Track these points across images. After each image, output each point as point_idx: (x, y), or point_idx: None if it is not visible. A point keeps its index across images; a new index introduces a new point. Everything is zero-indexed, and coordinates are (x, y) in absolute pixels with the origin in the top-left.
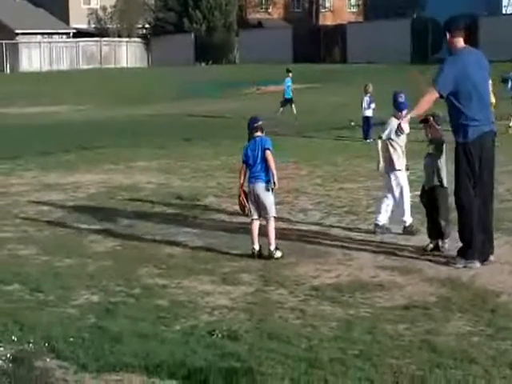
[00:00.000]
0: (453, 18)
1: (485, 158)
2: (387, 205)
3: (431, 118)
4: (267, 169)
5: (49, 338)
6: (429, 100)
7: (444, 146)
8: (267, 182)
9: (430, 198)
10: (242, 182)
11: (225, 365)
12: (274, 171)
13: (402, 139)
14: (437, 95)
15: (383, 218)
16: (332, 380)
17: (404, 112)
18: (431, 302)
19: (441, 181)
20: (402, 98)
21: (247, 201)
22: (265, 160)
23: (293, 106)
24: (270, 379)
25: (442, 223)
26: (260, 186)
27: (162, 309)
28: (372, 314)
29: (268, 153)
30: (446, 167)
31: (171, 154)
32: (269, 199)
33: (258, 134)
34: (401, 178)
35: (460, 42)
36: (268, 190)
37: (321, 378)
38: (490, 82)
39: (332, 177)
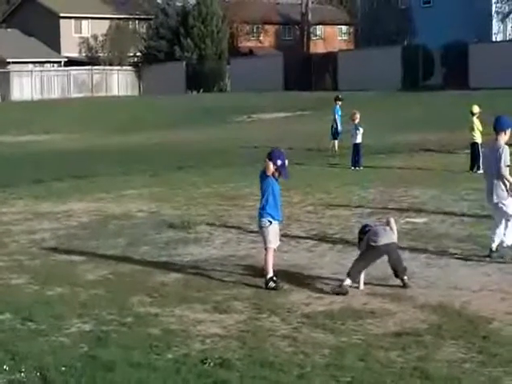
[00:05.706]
0: None
1: None
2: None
3: None
4: (268, 203)
5: (41, 368)
6: None
7: None
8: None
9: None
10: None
11: None
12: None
13: None
14: None
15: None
16: None
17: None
18: (423, 328)
19: None
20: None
21: None
22: (264, 195)
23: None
24: None
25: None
26: (258, 221)
27: (155, 337)
28: (364, 341)
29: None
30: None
31: (163, 181)
32: (263, 232)
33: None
34: None
35: None
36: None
37: None
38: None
39: (324, 204)
